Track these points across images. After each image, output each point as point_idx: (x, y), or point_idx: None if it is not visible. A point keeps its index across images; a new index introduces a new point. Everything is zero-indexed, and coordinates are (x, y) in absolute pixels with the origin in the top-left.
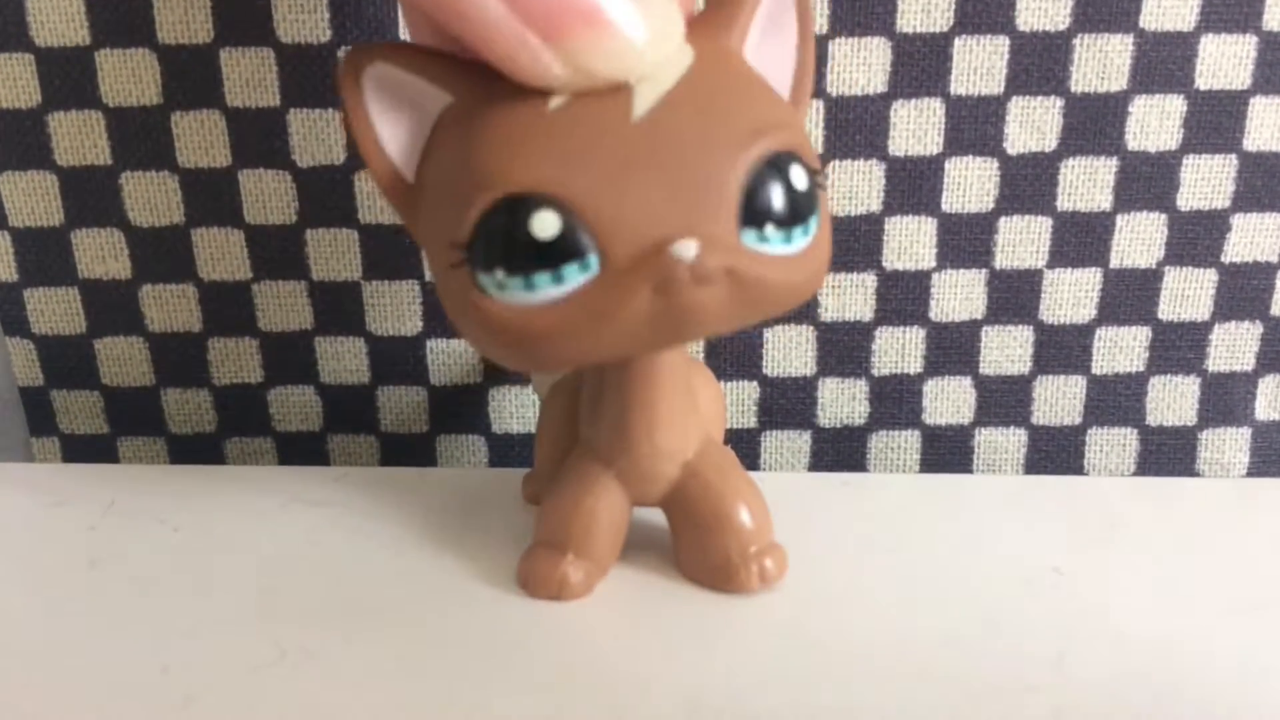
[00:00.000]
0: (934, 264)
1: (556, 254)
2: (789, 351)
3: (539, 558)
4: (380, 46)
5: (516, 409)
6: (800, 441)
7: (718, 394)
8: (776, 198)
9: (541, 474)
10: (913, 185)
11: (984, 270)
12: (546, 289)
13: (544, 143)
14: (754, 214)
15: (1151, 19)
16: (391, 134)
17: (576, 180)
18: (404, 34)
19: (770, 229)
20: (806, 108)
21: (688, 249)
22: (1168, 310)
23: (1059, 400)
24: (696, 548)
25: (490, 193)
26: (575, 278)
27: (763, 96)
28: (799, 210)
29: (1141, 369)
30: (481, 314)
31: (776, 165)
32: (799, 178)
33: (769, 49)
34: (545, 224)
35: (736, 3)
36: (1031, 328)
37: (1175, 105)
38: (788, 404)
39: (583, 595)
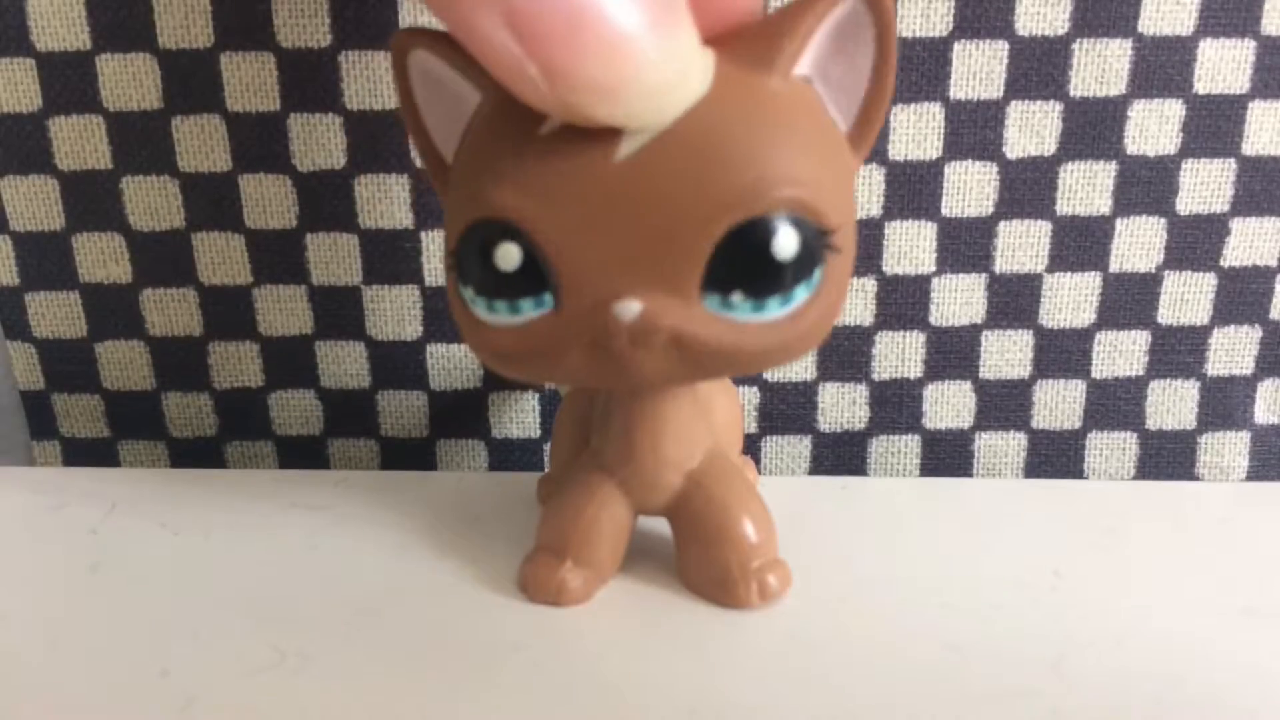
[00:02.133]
0: (934, 268)
1: (515, 286)
2: None
3: (539, 562)
4: (422, 34)
5: (516, 414)
6: (800, 446)
7: (734, 404)
8: (749, 265)
9: (556, 476)
10: (912, 190)
11: (984, 274)
12: (503, 315)
13: (525, 170)
14: (719, 279)
15: (1150, 23)
16: (435, 118)
17: (546, 217)
18: None
19: (737, 297)
20: (871, 139)
21: (628, 310)
22: (1167, 314)
23: (1059, 404)
24: (698, 559)
25: (471, 212)
26: (529, 311)
27: (782, 141)
28: (777, 279)
29: (1141, 373)
30: (461, 319)
31: (760, 229)
32: (786, 246)
33: (838, 66)
34: (508, 256)
35: (790, 22)
36: (1031, 332)
37: (1174, 109)
38: (788, 409)
39: (581, 601)
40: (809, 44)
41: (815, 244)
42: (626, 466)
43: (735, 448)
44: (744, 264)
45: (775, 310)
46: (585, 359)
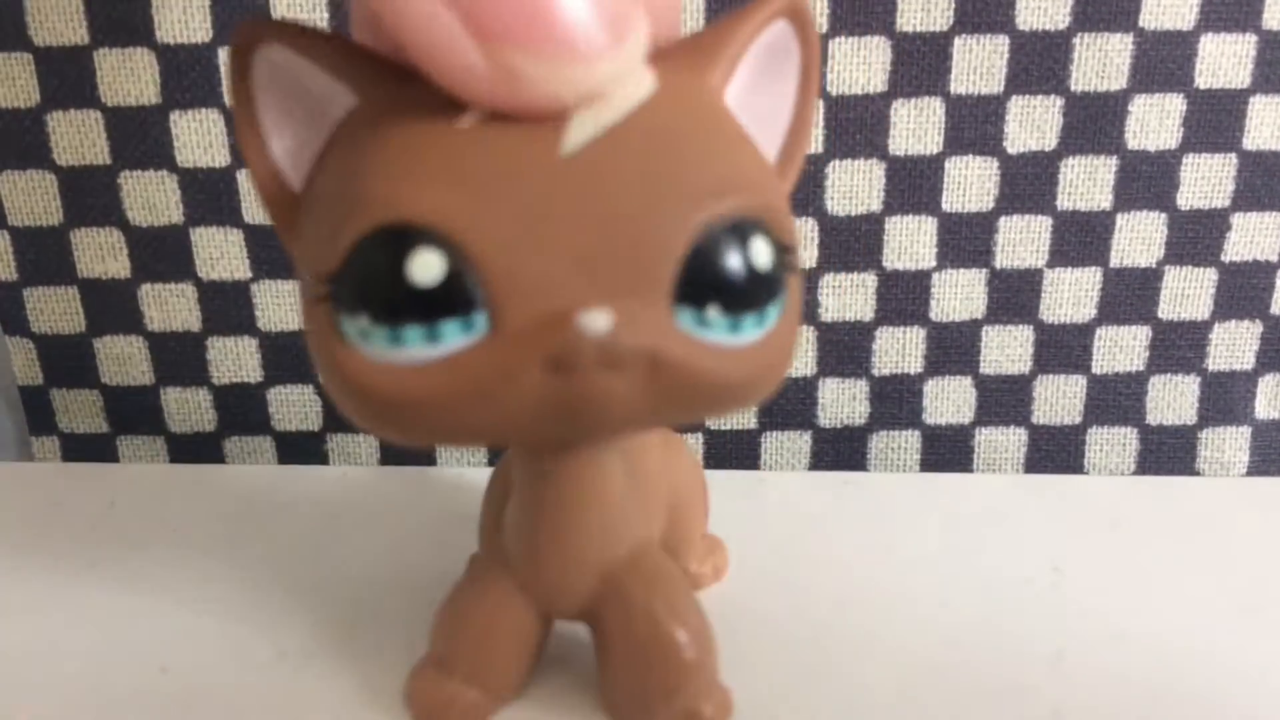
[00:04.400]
0: (934, 264)
1: (435, 305)
2: None
3: (424, 677)
4: (278, 25)
5: None
6: (801, 442)
7: (692, 474)
8: (727, 274)
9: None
10: (913, 185)
11: (984, 270)
12: (417, 346)
13: (443, 166)
14: (694, 290)
15: (1151, 18)
16: (281, 131)
17: (474, 218)
18: None
19: (713, 312)
20: (795, 173)
21: (596, 321)
22: (1168, 309)
23: (1059, 399)
24: (617, 679)
25: (367, 218)
26: (454, 338)
27: (734, 149)
28: (754, 293)
29: (1141, 368)
30: (339, 365)
31: (733, 234)
32: (760, 253)
33: (761, 97)
34: (426, 266)
35: (724, 35)
36: (1031, 327)
37: (1175, 104)
38: (788, 404)
39: None
40: (738, 68)
41: (780, 259)
42: (528, 566)
43: (696, 528)
44: (721, 273)
45: (750, 331)
46: (533, 396)
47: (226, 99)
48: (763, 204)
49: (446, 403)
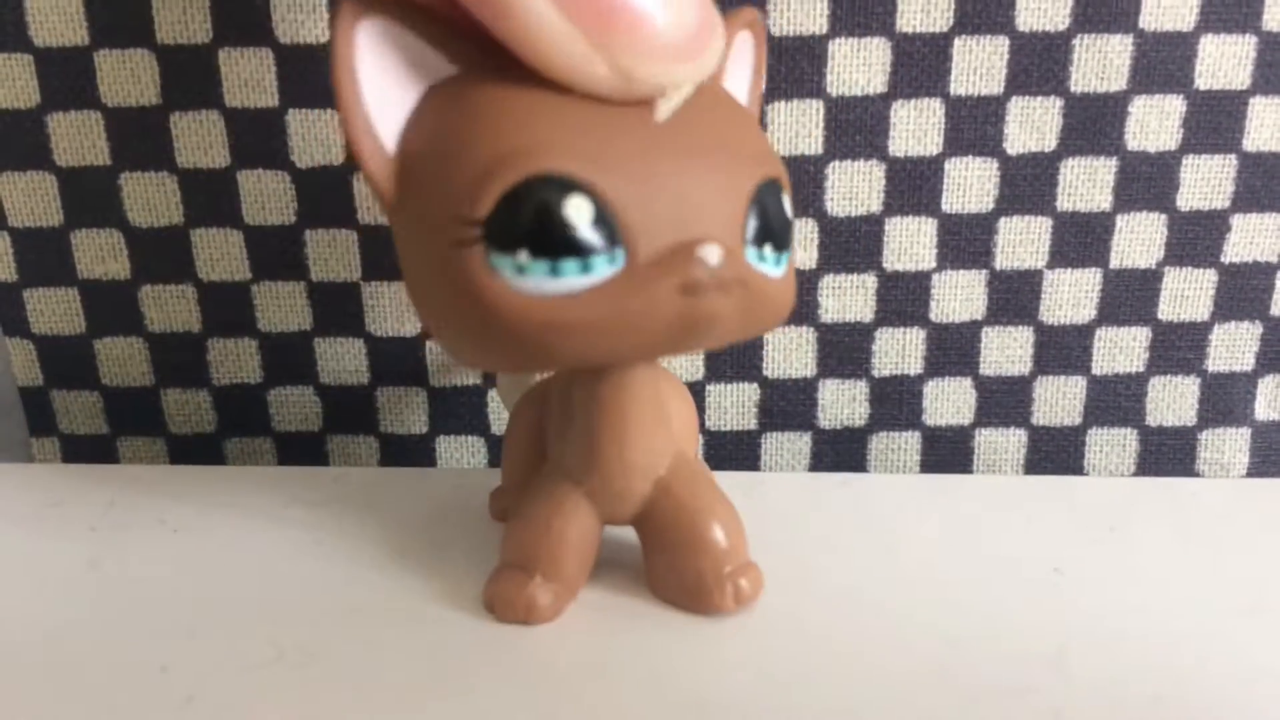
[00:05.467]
0: (934, 264)
1: (586, 243)
2: (789, 353)
3: (505, 580)
4: (383, 0)
5: None
6: (801, 442)
7: (689, 406)
8: (775, 220)
9: (509, 490)
10: (913, 186)
11: (984, 271)
12: (572, 277)
13: (573, 128)
14: (757, 232)
15: (1151, 19)
16: (379, 96)
17: (608, 170)
18: None
19: (768, 249)
20: None
21: (713, 253)
22: (1167, 310)
23: (1059, 401)
24: (669, 568)
25: (521, 169)
26: (602, 269)
27: (754, 124)
28: (787, 234)
29: (1141, 369)
30: (491, 298)
31: (775, 190)
32: (788, 205)
33: (732, 84)
34: (579, 210)
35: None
36: (1031, 328)
37: (1175, 105)
38: (788, 405)
39: (551, 619)
40: (724, 63)
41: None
42: (593, 475)
43: (692, 451)
44: (772, 218)
45: (782, 265)
46: (667, 315)
47: (228, 100)
48: (781, 168)
49: (597, 325)
